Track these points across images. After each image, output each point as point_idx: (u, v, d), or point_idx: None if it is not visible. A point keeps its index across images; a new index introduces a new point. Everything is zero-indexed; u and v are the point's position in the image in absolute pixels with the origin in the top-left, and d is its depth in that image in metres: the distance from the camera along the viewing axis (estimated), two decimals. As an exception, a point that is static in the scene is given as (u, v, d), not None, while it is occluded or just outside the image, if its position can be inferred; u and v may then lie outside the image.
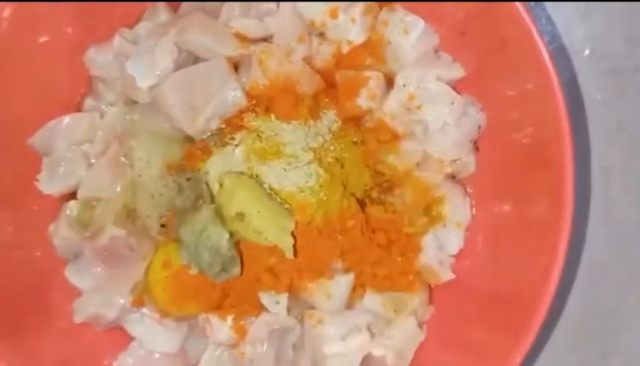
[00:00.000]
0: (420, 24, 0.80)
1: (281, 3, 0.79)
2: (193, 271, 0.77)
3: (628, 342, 0.92)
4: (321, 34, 0.81)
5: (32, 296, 0.82)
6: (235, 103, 0.78)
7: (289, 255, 0.77)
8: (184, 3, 0.83)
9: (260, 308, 0.79)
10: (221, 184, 0.78)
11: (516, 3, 0.72)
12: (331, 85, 0.81)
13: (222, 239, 0.75)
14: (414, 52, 0.80)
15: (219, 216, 0.77)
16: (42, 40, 0.80)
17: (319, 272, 0.79)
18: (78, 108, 0.84)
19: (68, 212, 0.81)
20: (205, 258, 0.76)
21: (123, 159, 0.80)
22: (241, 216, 0.76)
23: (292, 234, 0.78)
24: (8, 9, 0.77)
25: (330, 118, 0.81)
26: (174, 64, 0.78)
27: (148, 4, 0.83)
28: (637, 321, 0.92)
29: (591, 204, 0.91)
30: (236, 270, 0.77)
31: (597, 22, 0.91)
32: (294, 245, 0.77)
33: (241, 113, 0.79)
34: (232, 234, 0.77)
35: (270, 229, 0.76)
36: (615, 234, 0.91)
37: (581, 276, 0.91)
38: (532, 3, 0.90)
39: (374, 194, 0.82)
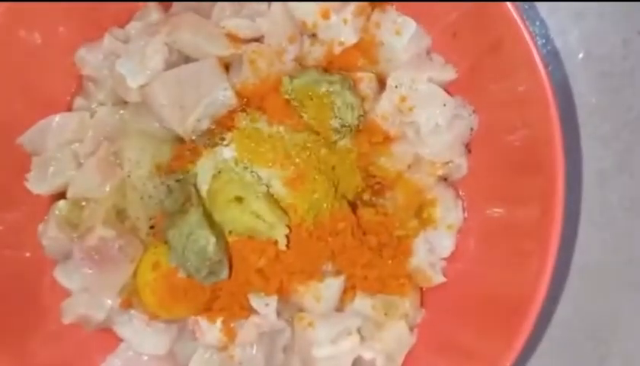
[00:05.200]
0: (412, 25, 0.79)
1: (272, 3, 0.78)
2: (181, 275, 0.77)
3: (625, 346, 0.91)
4: (313, 35, 0.80)
5: (21, 296, 0.82)
6: (226, 103, 0.78)
7: (282, 245, 0.76)
8: (175, 3, 0.83)
9: (250, 310, 0.79)
10: (219, 171, 0.77)
11: (509, 5, 0.72)
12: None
13: (209, 243, 0.75)
14: (406, 54, 0.80)
15: (207, 219, 0.76)
16: (33, 39, 0.80)
17: (309, 274, 0.79)
18: (68, 107, 0.84)
19: (57, 212, 0.81)
20: (192, 262, 0.75)
21: (112, 159, 0.80)
22: (239, 199, 0.76)
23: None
24: (-2, 8, 0.76)
25: (321, 119, 0.81)
26: (165, 63, 0.78)
27: (140, 4, 0.83)
28: (633, 324, 0.91)
29: (585, 207, 0.91)
30: (224, 273, 0.77)
31: (591, 25, 0.91)
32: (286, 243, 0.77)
33: (231, 113, 0.78)
34: (219, 237, 0.76)
35: (267, 214, 0.76)
36: (608, 237, 0.91)
37: (574, 279, 0.91)
38: (525, 5, 0.90)
39: (365, 196, 0.81)
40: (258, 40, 0.80)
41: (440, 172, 0.81)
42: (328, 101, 0.76)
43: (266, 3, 0.79)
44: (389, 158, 0.81)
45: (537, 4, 0.90)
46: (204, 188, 0.78)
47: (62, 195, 0.82)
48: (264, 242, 0.77)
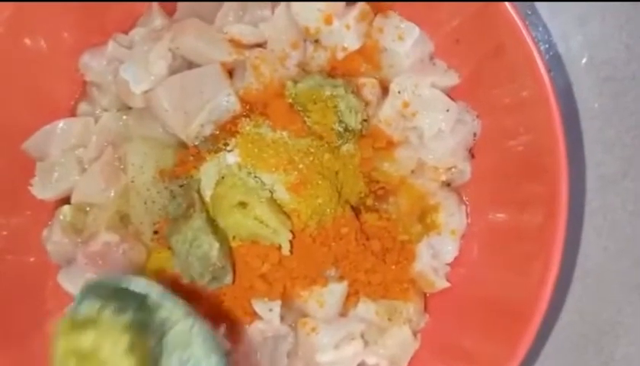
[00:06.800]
0: (415, 30, 0.80)
1: (275, 10, 0.79)
2: (185, 280, 0.77)
3: (628, 351, 0.91)
4: (316, 41, 0.81)
5: (25, 301, 0.82)
6: (229, 108, 0.78)
7: (286, 250, 0.77)
8: (179, 9, 0.83)
9: (254, 315, 0.79)
10: (222, 177, 0.77)
11: (512, 10, 0.72)
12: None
13: (213, 248, 0.75)
14: (409, 59, 0.80)
15: (211, 224, 0.76)
16: (37, 44, 0.80)
17: (313, 280, 0.79)
18: (73, 113, 0.84)
19: (61, 217, 0.81)
20: (195, 268, 0.75)
21: (116, 164, 0.80)
22: (243, 204, 0.76)
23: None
24: (3, 13, 0.77)
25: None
26: (169, 69, 0.78)
27: (143, 10, 0.83)
28: (635, 329, 0.91)
29: (588, 212, 0.90)
30: (227, 279, 0.77)
31: (594, 30, 0.91)
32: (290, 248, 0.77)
33: (234, 118, 0.79)
34: (223, 242, 0.76)
35: (271, 219, 0.76)
36: (611, 241, 0.91)
37: (578, 284, 0.90)
38: (528, 10, 0.90)
39: (369, 201, 0.81)
40: (261, 45, 0.80)
41: (444, 177, 0.81)
42: (332, 105, 0.77)
43: (269, 9, 0.79)
44: (392, 163, 0.81)
45: (539, 9, 0.90)
46: (208, 194, 0.78)
47: (66, 200, 0.82)
48: (268, 248, 0.78)
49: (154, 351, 0.62)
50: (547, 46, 0.91)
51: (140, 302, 0.63)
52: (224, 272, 0.77)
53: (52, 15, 0.79)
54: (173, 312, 0.64)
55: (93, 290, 0.63)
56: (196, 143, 0.79)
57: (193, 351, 0.64)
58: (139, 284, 0.64)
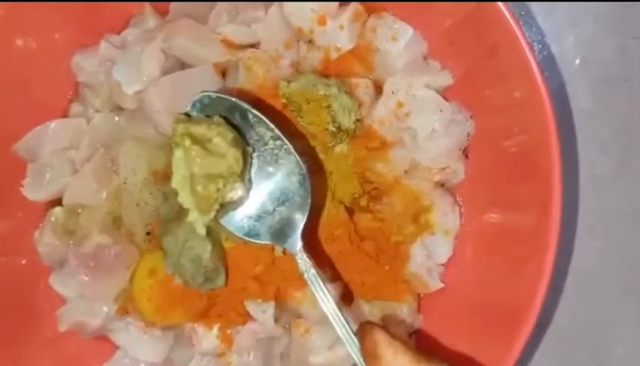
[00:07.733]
0: (409, 31, 0.79)
1: (269, 10, 0.78)
2: (177, 282, 0.76)
3: (623, 353, 0.91)
4: (310, 41, 0.80)
5: (17, 303, 0.81)
6: (222, 109, 0.78)
7: (279, 251, 0.77)
8: (172, 10, 0.82)
9: (247, 317, 0.79)
10: None
11: (505, 11, 0.72)
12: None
13: (205, 251, 0.74)
14: (403, 60, 0.80)
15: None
16: (29, 45, 0.80)
17: (306, 281, 0.78)
18: (65, 114, 0.84)
19: (52, 219, 0.80)
20: (187, 269, 0.75)
21: (108, 166, 0.80)
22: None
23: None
24: (-6, 13, 0.76)
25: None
26: (161, 70, 0.78)
27: (136, 10, 0.83)
28: (629, 331, 0.91)
29: (581, 213, 0.90)
30: (220, 280, 0.77)
31: (588, 31, 0.91)
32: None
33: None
34: (215, 243, 0.76)
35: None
36: (606, 242, 0.91)
37: (571, 285, 0.90)
38: (522, 11, 0.90)
39: (362, 202, 0.81)
40: (254, 46, 0.80)
41: (437, 178, 0.81)
42: (325, 104, 0.76)
43: (262, 9, 0.79)
44: (386, 163, 0.80)
45: (533, 10, 0.90)
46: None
47: (58, 202, 0.81)
48: (261, 249, 0.77)
49: (250, 156, 0.74)
50: (541, 46, 0.91)
51: (243, 114, 0.73)
52: (216, 274, 0.76)
53: (44, 16, 0.79)
54: (267, 132, 0.74)
55: (202, 101, 0.73)
56: (189, 144, 0.79)
57: (279, 168, 0.74)
58: (243, 102, 0.74)
